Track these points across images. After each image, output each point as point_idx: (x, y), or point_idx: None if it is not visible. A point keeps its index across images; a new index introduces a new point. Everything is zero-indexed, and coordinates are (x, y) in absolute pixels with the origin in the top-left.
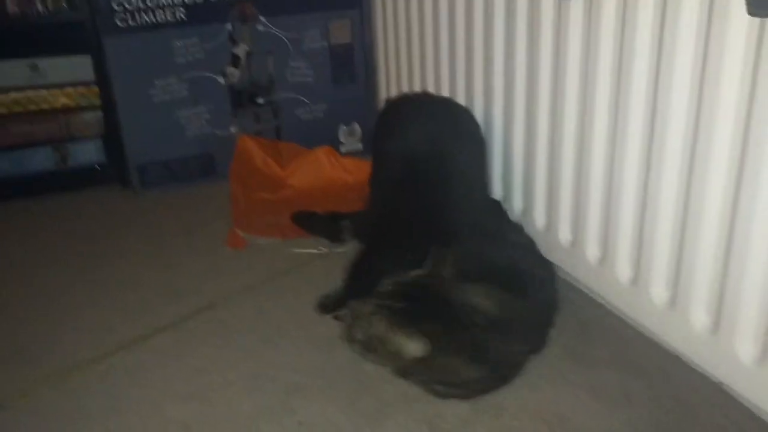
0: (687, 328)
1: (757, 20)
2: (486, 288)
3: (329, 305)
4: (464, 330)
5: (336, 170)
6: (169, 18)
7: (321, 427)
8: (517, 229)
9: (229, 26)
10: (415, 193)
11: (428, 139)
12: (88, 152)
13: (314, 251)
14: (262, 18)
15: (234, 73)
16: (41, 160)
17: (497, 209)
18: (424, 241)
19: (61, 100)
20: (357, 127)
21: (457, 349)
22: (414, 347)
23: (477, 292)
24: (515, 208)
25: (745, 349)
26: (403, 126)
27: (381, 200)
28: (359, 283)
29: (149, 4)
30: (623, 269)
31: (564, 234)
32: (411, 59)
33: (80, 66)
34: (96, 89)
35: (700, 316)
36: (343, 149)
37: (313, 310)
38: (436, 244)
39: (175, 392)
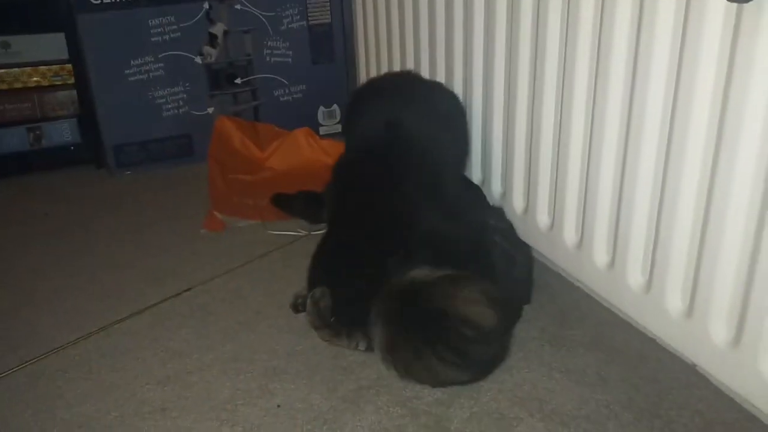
0: (662, 312)
1: (734, 5)
2: (480, 296)
3: (300, 305)
4: (451, 342)
5: (315, 152)
6: None
7: (300, 410)
8: (496, 213)
9: (206, 5)
10: (375, 177)
11: (390, 123)
12: (63, 132)
13: (293, 233)
14: None
15: (211, 52)
16: (14, 140)
17: (477, 193)
18: (385, 228)
19: (34, 78)
20: (336, 109)
21: (441, 359)
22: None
23: (473, 301)
24: (494, 192)
25: (718, 332)
26: (368, 106)
27: (340, 185)
28: (319, 274)
29: None
30: (600, 254)
31: (542, 218)
32: (391, 40)
33: (53, 44)
34: (70, 67)
35: (675, 301)
36: (322, 131)
37: (291, 295)
38: (399, 229)
39: (152, 375)
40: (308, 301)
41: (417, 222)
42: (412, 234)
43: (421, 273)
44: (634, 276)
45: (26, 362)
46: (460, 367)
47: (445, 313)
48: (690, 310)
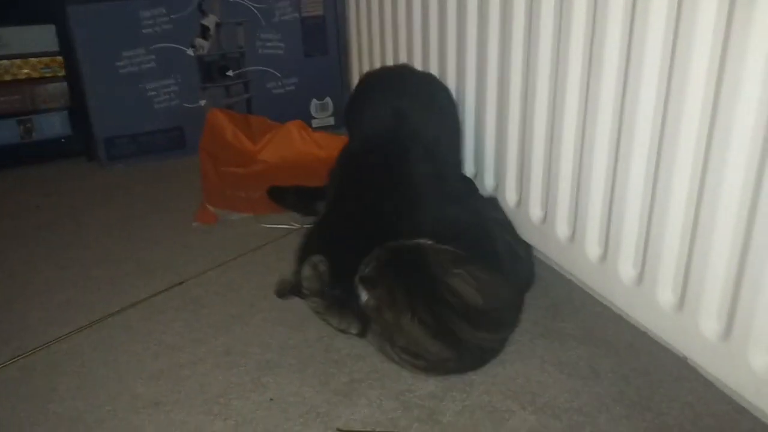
0: (653, 305)
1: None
2: (477, 276)
3: (289, 291)
4: (437, 309)
5: (307, 145)
6: None
7: (293, 404)
8: (493, 204)
9: None
10: (380, 166)
11: (396, 115)
12: (54, 124)
13: (286, 226)
14: None
15: (203, 44)
16: (5, 132)
17: (470, 186)
18: (389, 213)
19: (24, 70)
20: (329, 102)
21: (423, 321)
22: (365, 299)
23: (467, 280)
24: (487, 185)
25: (709, 325)
26: (372, 99)
27: (341, 175)
28: (314, 250)
29: None
30: (592, 247)
31: (535, 211)
32: (384, 32)
33: (44, 35)
34: (60, 60)
35: (666, 294)
36: (315, 123)
37: (277, 281)
38: (404, 215)
39: (144, 369)
40: (305, 266)
41: (422, 209)
42: (417, 220)
43: (427, 242)
44: (626, 269)
45: (18, 356)
46: (437, 337)
47: (438, 281)
48: (681, 304)
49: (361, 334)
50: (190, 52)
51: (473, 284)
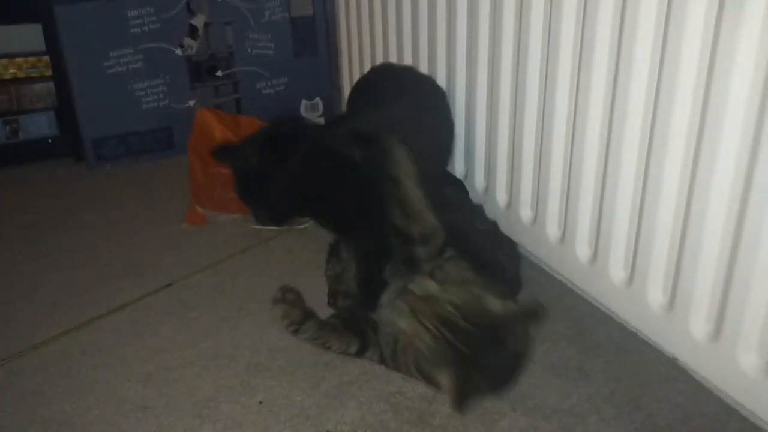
0: (643, 306)
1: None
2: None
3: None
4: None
5: None
6: None
7: (282, 407)
8: (478, 212)
9: None
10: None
11: (392, 119)
12: (40, 125)
13: (275, 228)
14: None
15: (192, 44)
16: None
17: (459, 188)
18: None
19: (10, 70)
20: (319, 102)
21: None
22: (445, 385)
23: (512, 322)
24: (477, 186)
25: (698, 326)
26: (372, 100)
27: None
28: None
29: None
30: (583, 248)
31: (525, 212)
32: (374, 32)
33: (30, 35)
34: (47, 59)
35: (656, 295)
36: None
37: (274, 287)
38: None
39: (133, 372)
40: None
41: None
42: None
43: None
44: (616, 270)
45: (5, 359)
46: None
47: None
48: (670, 305)
49: (360, 353)
50: (178, 51)
51: (514, 326)
